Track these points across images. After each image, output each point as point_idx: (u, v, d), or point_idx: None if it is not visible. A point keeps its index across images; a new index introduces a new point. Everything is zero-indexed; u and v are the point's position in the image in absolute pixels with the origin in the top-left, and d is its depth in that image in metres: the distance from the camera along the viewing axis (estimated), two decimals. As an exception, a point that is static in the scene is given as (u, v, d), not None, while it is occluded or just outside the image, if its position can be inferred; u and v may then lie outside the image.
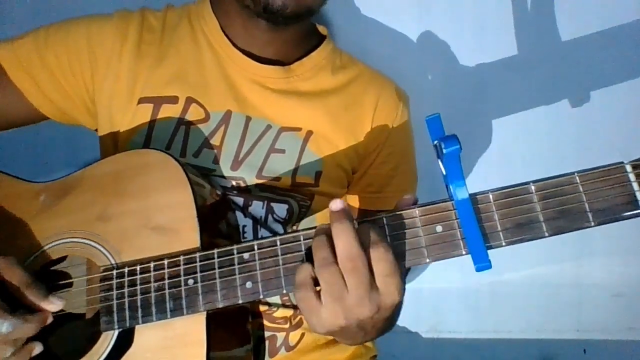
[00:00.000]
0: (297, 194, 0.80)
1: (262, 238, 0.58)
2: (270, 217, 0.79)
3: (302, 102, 0.81)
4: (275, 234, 0.78)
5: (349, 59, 0.89)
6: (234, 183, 0.77)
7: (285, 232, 0.57)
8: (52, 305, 0.60)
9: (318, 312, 0.52)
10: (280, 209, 0.79)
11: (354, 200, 0.89)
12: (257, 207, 0.78)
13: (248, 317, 0.75)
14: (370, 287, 0.50)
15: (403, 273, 0.53)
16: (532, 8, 1.07)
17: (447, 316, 1.23)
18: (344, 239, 0.51)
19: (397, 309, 0.54)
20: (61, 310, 0.65)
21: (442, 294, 1.22)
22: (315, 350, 0.84)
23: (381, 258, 0.51)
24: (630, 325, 1.20)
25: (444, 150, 0.48)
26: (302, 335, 0.82)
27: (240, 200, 0.77)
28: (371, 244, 0.52)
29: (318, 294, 0.52)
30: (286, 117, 0.80)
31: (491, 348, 1.22)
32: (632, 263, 1.17)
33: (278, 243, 0.57)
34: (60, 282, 0.68)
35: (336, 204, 0.53)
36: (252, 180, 0.78)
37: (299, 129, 0.80)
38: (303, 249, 0.56)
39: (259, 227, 0.78)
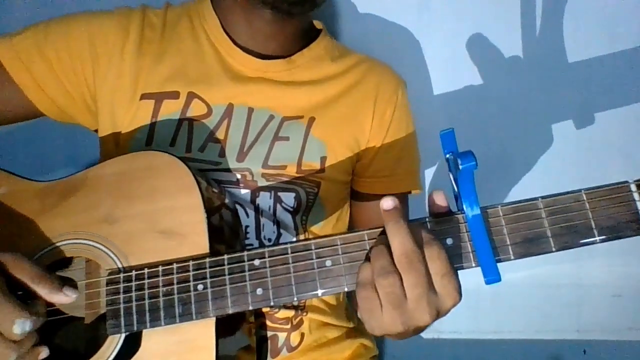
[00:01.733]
0: (304, 181, 0.82)
1: (273, 245, 0.59)
2: (279, 206, 0.81)
3: (303, 91, 0.83)
4: (277, 224, 0.80)
5: (345, 49, 0.92)
6: (239, 175, 0.79)
7: (297, 240, 0.59)
8: (67, 297, 0.61)
9: (379, 315, 0.52)
10: (288, 198, 0.81)
11: (366, 187, 0.92)
12: (265, 198, 0.80)
13: (250, 317, 0.78)
14: (428, 288, 0.51)
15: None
16: (532, 7, 1.08)
17: (447, 316, 1.22)
18: (400, 237, 0.51)
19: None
20: (63, 313, 0.66)
21: (442, 294, 1.22)
22: (316, 350, 0.86)
23: (436, 257, 0.52)
24: (630, 325, 1.22)
25: (460, 166, 0.50)
26: (303, 335, 0.85)
27: (247, 193, 0.79)
28: (425, 244, 0.52)
29: (376, 294, 0.52)
30: (288, 106, 0.82)
31: (491, 348, 1.24)
32: (632, 263, 1.19)
33: (289, 251, 0.58)
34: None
35: (387, 203, 0.53)
36: (258, 170, 0.80)
37: (301, 117, 0.83)
38: (314, 257, 0.57)
39: (262, 224, 0.80)
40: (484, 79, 1.12)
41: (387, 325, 0.52)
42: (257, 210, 0.80)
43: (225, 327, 0.65)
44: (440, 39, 1.12)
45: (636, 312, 1.22)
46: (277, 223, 0.82)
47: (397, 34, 1.13)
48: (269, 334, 0.82)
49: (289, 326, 0.84)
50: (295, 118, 0.82)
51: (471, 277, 1.31)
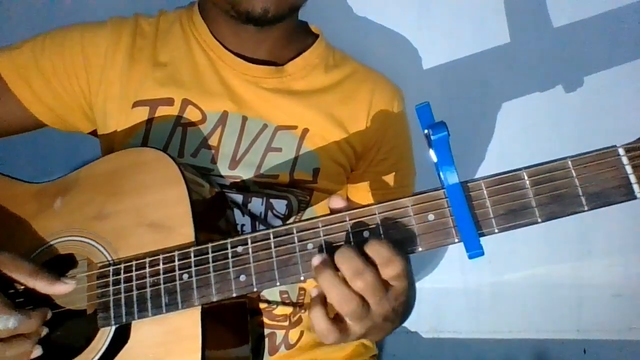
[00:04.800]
0: (296, 189, 0.79)
1: (256, 231, 0.57)
2: (270, 213, 0.78)
3: (296, 101, 0.80)
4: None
5: (342, 57, 0.87)
6: (231, 182, 0.76)
7: (279, 225, 0.56)
8: (65, 286, 0.61)
9: (349, 335, 0.52)
10: (280, 205, 0.78)
11: (358, 197, 0.88)
12: (257, 204, 0.77)
13: (247, 314, 0.73)
14: (383, 288, 0.50)
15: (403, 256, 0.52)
16: (531, 7, 1.05)
17: (447, 316, 1.21)
18: (347, 263, 0.50)
19: (409, 290, 0.54)
20: (61, 307, 0.65)
21: (442, 294, 1.20)
22: (315, 349, 0.83)
23: (374, 251, 0.50)
24: (630, 325, 1.18)
25: (432, 137, 0.47)
26: (301, 333, 0.81)
27: (239, 198, 0.76)
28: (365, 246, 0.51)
29: (339, 325, 0.51)
30: (281, 116, 0.79)
31: (491, 348, 1.21)
32: (632, 263, 1.15)
33: (271, 236, 0.56)
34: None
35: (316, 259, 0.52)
36: (250, 178, 0.77)
37: (295, 127, 0.79)
38: (296, 241, 0.55)
39: (257, 224, 0.77)
40: (484, 78, 1.09)
41: (359, 333, 0.52)
42: (250, 215, 0.78)
43: (226, 339, 0.66)
44: (441, 41, 1.09)
45: (636, 312, 1.18)
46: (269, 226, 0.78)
47: (397, 37, 1.10)
48: (267, 331, 0.79)
49: (287, 323, 0.80)
50: (289, 128, 0.79)
51: (471, 276, 1.26)
